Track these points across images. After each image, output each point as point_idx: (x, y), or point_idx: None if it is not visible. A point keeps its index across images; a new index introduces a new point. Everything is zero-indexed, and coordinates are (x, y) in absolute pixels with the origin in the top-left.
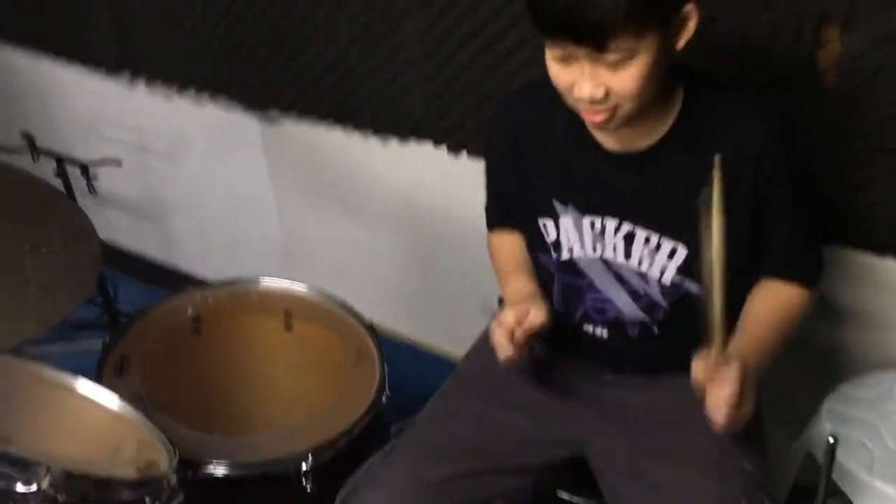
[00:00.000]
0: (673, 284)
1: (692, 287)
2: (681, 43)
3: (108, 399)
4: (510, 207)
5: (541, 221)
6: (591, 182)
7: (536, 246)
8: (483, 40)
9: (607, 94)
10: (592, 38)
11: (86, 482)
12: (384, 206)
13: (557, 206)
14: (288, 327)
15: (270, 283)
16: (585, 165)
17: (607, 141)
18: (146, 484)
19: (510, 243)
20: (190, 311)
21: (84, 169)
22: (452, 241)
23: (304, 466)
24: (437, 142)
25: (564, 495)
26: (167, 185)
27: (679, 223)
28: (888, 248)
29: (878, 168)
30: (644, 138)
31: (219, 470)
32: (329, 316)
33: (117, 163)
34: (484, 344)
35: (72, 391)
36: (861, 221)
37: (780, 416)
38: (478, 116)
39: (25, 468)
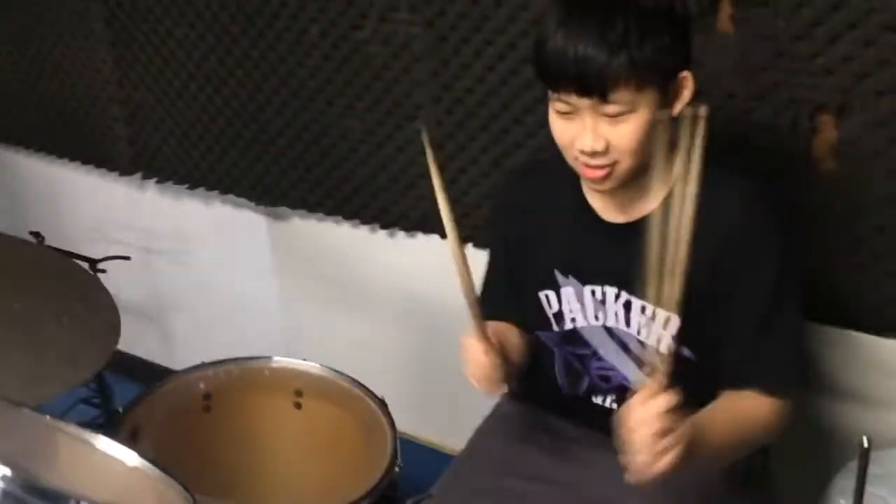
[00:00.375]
0: (670, 352)
1: (685, 352)
2: (677, 108)
3: (127, 456)
4: (508, 290)
5: (542, 294)
6: (591, 252)
7: (538, 323)
8: (491, 134)
9: (607, 148)
10: (595, 89)
11: None
12: (387, 300)
13: (559, 276)
14: (297, 405)
15: (281, 361)
16: (585, 236)
17: (606, 211)
18: None
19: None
20: (202, 387)
21: (93, 266)
22: (455, 334)
23: None
24: (445, 235)
25: None
26: (171, 285)
27: None
28: (891, 329)
29: (878, 248)
30: (639, 209)
31: None
32: (340, 393)
33: (126, 258)
34: (495, 419)
35: (92, 447)
36: (863, 302)
37: (792, 499)
38: (484, 209)
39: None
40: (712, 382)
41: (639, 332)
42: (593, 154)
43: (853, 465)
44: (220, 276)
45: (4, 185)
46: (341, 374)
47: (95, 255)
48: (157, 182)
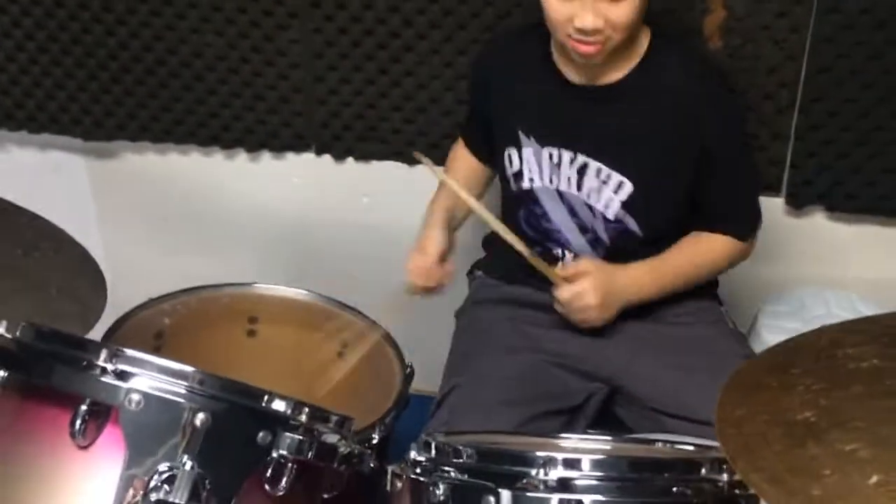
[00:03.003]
0: (617, 220)
1: (632, 224)
2: None
3: None
4: (483, 131)
5: (507, 151)
6: (552, 114)
7: (504, 176)
8: (381, 37)
9: (604, 26)
10: None
11: None
12: (251, 229)
13: (521, 136)
14: (251, 333)
15: (235, 290)
16: (549, 97)
17: (574, 75)
18: None
19: (464, 161)
20: (166, 321)
21: None
22: (334, 254)
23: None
24: (320, 151)
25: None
26: None
27: (628, 158)
28: (773, 189)
29: (766, 114)
30: (609, 75)
31: None
32: (303, 314)
33: None
34: (476, 304)
35: None
36: None
37: None
38: (364, 121)
39: None
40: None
41: (589, 196)
42: (591, 32)
43: (766, 307)
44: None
45: None
46: (313, 293)
47: None
48: None
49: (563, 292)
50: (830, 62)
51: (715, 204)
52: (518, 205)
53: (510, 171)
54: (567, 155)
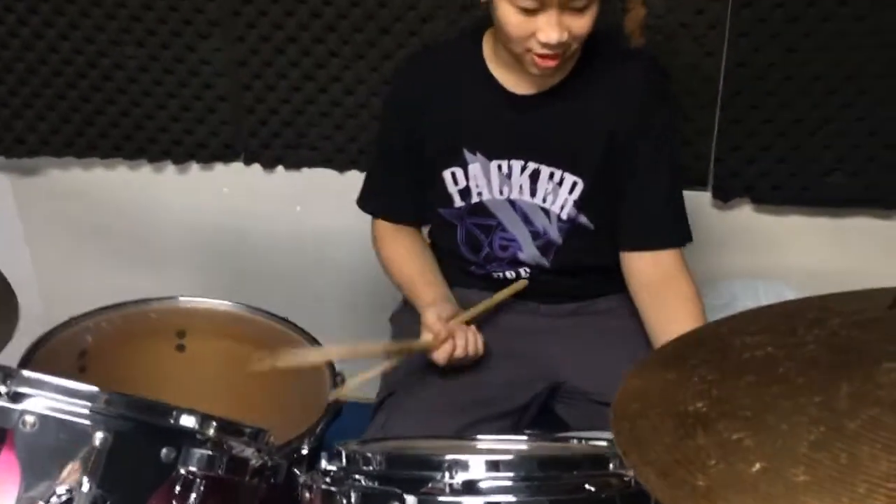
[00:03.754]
0: (569, 219)
1: (583, 220)
2: None
3: None
4: (402, 188)
5: (447, 172)
6: (499, 126)
7: (439, 201)
8: (305, 43)
9: (567, 39)
10: None
11: None
12: (180, 240)
13: (467, 154)
14: (180, 348)
15: (164, 302)
16: (495, 111)
17: (515, 84)
18: None
19: (407, 244)
20: (88, 340)
21: None
22: (262, 267)
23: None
24: (249, 160)
25: None
26: None
27: (577, 158)
28: (700, 184)
29: (689, 109)
30: (549, 80)
31: None
32: (228, 324)
33: None
34: (410, 309)
35: None
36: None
37: None
38: (292, 129)
39: None
40: (608, 249)
41: (544, 200)
42: (556, 45)
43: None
44: None
45: None
46: (238, 303)
47: None
48: None
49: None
50: (748, 56)
51: (658, 215)
52: (459, 224)
53: (454, 189)
54: (517, 164)
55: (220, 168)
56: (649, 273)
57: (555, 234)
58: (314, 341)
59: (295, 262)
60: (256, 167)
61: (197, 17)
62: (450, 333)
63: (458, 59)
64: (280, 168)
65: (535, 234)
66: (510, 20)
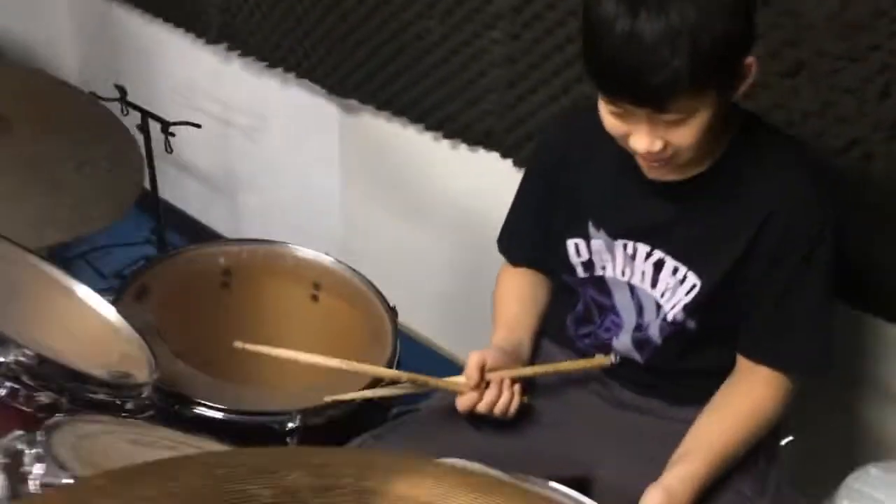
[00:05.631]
0: (675, 321)
1: (691, 325)
2: (741, 90)
3: (105, 309)
4: (536, 233)
5: (571, 242)
6: (629, 208)
7: (563, 268)
8: (566, 56)
9: (665, 147)
10: (653, 102)
11: (53, 368)
12: (442, 211)
13: (591, 227)
14: (314, 298)
15: (303, 251)
16: (625, 191)
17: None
18: (115, 387)
19: (515, 285)
20: (222, 261)
21: (164, 127)
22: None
23: (290, 424)
24: (505, 154)
25: None
26: (242, 160)
27: (707, 259)
28: None
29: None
30: (689, 169)
31: (205, 410)
32: (355, 293)
33: (197, 126)
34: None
35: (71, 294)
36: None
37: (804, 489)
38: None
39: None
40: (710, 352)
41: (662, 295)
42: (650, 154)
43: (873, 469)
44: (289, 159)
45: (102, 37)
46: (359, 273)
47: (171, 118)
48: (240, 55)
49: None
50: None
51: (772, 323)
52: (582, 293)
53: (576, 260)
54: (643, 249)
55: (481, 153)
56: (756, 385)
57: (655, 333)
58: None
59: None
60: (508, 163)
61: (486, 7)
62: (481, 384)
63: (601, 129)
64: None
65: (639, 327)
66: (606, 119)
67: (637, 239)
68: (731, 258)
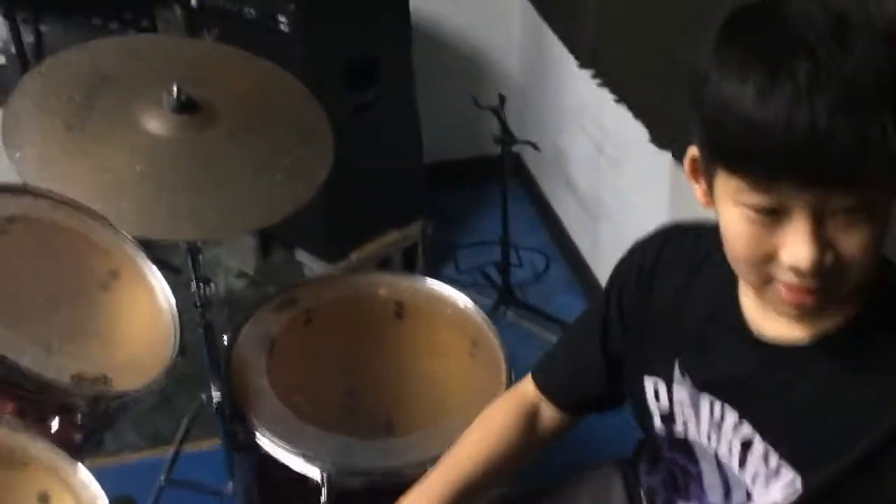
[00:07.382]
0: None
1: None
2: None
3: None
4: (577, 368)
5: (650, 379)
6: (722, 362)
7: (639, 413)
8: None
9: (833, 262)
10: (839, 171)
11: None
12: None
13: (676, 371)
14: (472, 354)
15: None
16: (722, 340)
17: (761, 321)
18: (68, 395)
19: (500, 421)
20: (385, 293)
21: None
22: None
23: None
24: None
25: None
26: (606, 189)
27: (813, 452)
28: None
29: None
30: (805, 328)
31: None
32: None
33: (535, 147)
34: None
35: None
36: None
37: None
38: None
39: None
40: None
41: (753, 482)
42: (810, 272)
43: None
44: (643, 196)
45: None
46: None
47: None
48: (609, 87)
49: None
50: None
51: None
52: (665, 453)
53: (654, 405)
54: (731, 416)
55: None
56: None
57: None
58: None
59: None
60: None
61: None
62: None
63: (706, 258)
64: None
65: None
66: (740, 231)
67: (726, 399)
68: (850, 456)
